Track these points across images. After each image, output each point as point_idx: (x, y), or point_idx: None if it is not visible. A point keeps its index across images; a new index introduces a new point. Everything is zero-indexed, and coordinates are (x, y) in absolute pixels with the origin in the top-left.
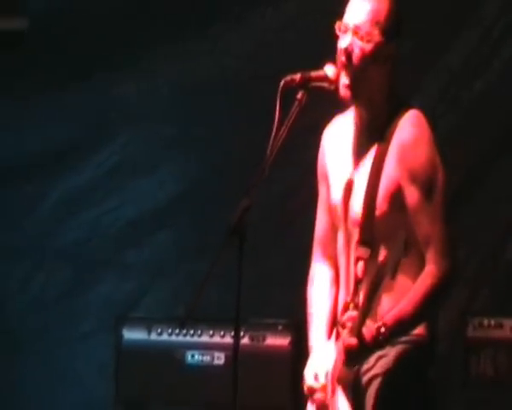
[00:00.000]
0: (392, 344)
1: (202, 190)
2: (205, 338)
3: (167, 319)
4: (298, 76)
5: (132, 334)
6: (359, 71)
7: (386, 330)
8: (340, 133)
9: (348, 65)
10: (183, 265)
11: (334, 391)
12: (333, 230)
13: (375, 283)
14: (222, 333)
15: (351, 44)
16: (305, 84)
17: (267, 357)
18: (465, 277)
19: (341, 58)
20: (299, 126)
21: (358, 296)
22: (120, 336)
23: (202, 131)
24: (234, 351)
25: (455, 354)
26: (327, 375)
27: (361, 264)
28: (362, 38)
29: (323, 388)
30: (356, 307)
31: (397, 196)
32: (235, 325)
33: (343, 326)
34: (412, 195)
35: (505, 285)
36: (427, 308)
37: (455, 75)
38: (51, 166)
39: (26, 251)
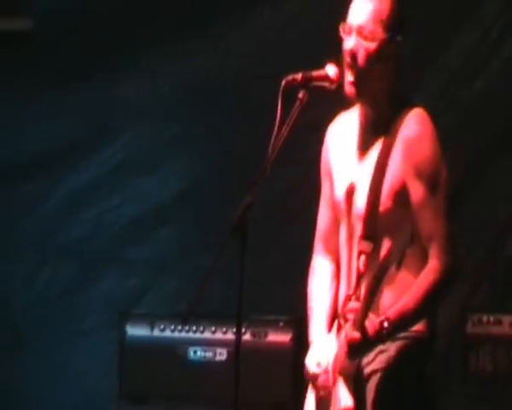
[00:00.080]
0: (392, 340)
1: (204, 188)
2: (207, 334)
3: (170, 316)
4: (299, 75)
5: (135, 330)
6: (364, 70)
7: (389, 324)
8: (344, 130)
9: (354, 65)
10: (186, 262)
11: (335, 382)
12: (335, 224)
13: (377, 276)
14: (224, 329)
15: (355, 46)
16: (306, 83)
17: (269, 353)
18: (465, 273)
19: (347, 59)
20: (301, 125)
21: (360, 290)
22: (124, 332)
23: (203, 130)
24: (236, 347)
25: (454, 350)
26: (328, 366)
27: (363, 258)
28: (366, 38)
29: (326, 371)
30: (358, 299)
31: (401, 193)
32: (237, 321)
33: (344, 318)
34: (417, 190)
35: (504, 282)
36: (429, 304)
37: (454, 74)
38: (55, 164)
39: (30, 249)
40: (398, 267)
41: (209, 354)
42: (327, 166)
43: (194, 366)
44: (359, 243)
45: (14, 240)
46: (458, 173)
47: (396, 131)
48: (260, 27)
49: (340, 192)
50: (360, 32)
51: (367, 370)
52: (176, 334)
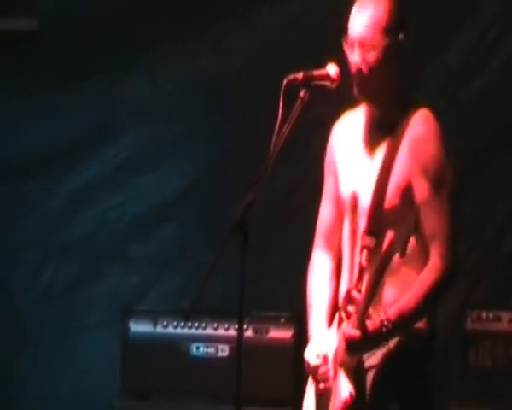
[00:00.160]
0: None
1: (207, 186)
2: (209, 331)
3: (173, 312)
4: (300, 75)
5: (138, 326)
6: (370, 78)
7: (389, 324)
8: (350, 129)
9: (360, 76)
10: (189, 259)
11: (335, 375)
12: (337, 221)
13: (380, 267)
14: (226, 326)
15: (359, 60)
16: (307, 82)
17: (270, 349)
18: (464, 270)
19: (353, 72)
20: (302, 124)
21: (362, 283)
22: (127, 328)
23: (204, 130)
24: (238, 343)
25: (453, 347)
26: (327, 356)
27: (366, 252)
28: (368, 50)
29: (326, 362)
30: (359, 292)
31: (407, 191)
32: (239, 318)
33: (345, 311)
34: (421, 188)
35: (503, 279)
36: (430, 303)
37: (453, 74)
38: (57, 162)
39: (34, 246)
40: (403, 255)
41: (211, 350)
42: (332, 164)
43: (196, 361)
44: (363, 237)
45: (19, 237)
46: (457, 173)
47: (403, 132)
48: (261, 27)
49: (345, 190)
50: (362, 45)
51: (367, 363)
52: (178, 330)
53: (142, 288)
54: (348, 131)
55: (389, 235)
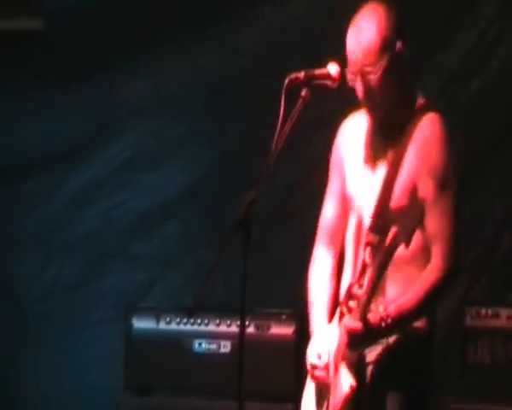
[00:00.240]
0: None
1: (210, 184)
2: (212, 327)
3: (176, 309)
4: (302, 74)
5: (142, 323)
6: (375, 94)
7: (389, 319)
8: (358, 129)
9: (366, 97)
10: (192, 256)
11: (337, 369)
12: (341, 219)
13: (383, 261)
14: (228, 322)
15: (364, 86)
16: (308, 81)
17: (272, 346)
18: (463, 267)
19: (360, 96)
20: (303, 122)
21: (364, 279)
22: (130, 325)
23: (206, 129)
24: (240, 340)
25: (452, 343)
26: (329, 354)
27: (369, 249)
28: (370, 73)
29: (326, 367)
30: (361, 287)
31: (414, 192)
32: (241, 314)
33: (347, 306)
34: (427, 188)
35: (502, 276)
36: (430, 302)
37: (453, 74)
38: (57, 162)
39: (37, 244)
40: (407, 245)
41: (213, 347)
42: (339, 163)
43: (198, 358)
44: (367, 234)
45: (20, 237)
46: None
47: (410, 134)
48: (262, 27)
49: (352, 188)
50: (363, 69)
51: (368, 358)
52: (181, 327)
53: (145, 285)
54: (357, 131)
55: (393, 230)
